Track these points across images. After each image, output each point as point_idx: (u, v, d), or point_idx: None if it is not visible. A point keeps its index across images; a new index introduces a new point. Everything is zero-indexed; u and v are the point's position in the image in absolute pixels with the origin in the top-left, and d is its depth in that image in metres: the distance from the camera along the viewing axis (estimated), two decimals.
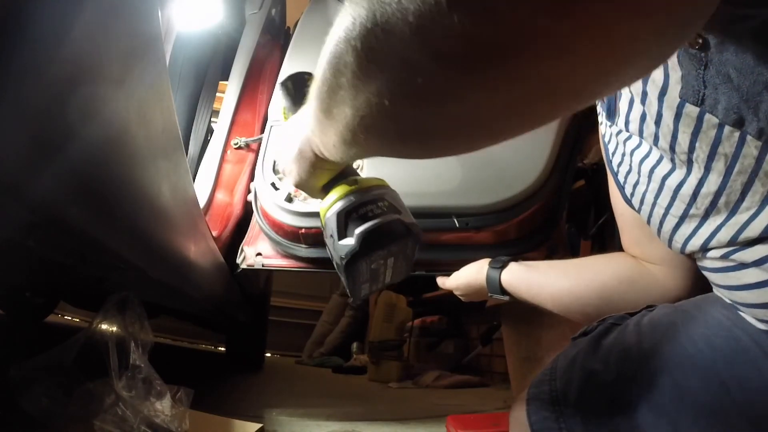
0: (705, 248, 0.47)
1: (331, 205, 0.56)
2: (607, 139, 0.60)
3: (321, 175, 0.56)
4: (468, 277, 0.92)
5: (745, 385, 0.42)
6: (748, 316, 0.44)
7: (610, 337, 0.52)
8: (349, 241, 0.53)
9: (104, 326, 0.83)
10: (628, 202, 0.58)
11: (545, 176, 1.15)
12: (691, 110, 0.41)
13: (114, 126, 0.55)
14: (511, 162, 1.16)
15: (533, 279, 0.79)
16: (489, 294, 0.87)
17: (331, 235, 0.55)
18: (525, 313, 1.85)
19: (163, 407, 0.81)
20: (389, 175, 1.16)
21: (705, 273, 0.50)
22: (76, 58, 0.44)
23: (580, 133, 1.33)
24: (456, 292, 0.98)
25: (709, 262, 0.48)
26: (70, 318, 2.88)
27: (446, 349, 3.06)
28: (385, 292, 3.17)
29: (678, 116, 0.43)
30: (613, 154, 0.59)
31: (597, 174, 1.88)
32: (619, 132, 0.55)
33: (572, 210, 1.39)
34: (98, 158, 0.55)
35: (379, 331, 2.93)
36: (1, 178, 0.43)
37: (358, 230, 0.52)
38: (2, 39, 0.36)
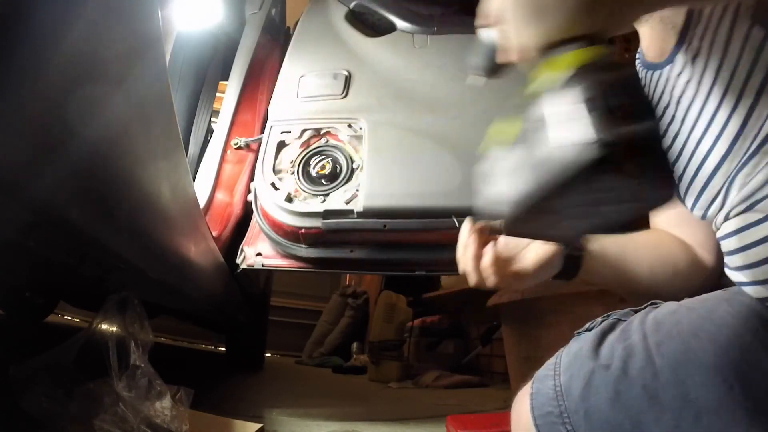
0: (727, 191, 0.49)
1: (574, 64, 0.36)
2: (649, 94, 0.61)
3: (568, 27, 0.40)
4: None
5: (748, 384, 0.43)
6: (754, 292, 0.46)
7: (614, 333, 0.52)
8: (601, 134, 0.32)
9: (104, 326, 0.83)
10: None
11: None
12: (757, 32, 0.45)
13: (114, 126, 0.55)
14: None
15: (619, 253, 0.68)
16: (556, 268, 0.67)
17: (565, 114, 0.35)
18: (525, 313, 1.84)
19: (163, 407, 0.81)
20: (390, 175, 1.17)
21: (723, 243, 0.52)
22: (76, 58, 0.44)
23: None
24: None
25: (732, 223, 0.50)
26: (70, 318, 2.88)
27: (446, 349, 3.06)
28: (385, 292, 3.17)
29: (746, 38, 0.46)
30: (656, 106, 0.60)
31: None
32: (667, 80, 0.57)
33: None
34: (98, 158, 0.55)
35: (379, 331, 2.93)
36: (2, 178, 0.43)
37: (630, 128, 0.33)
38: (3, 39, 0.36)
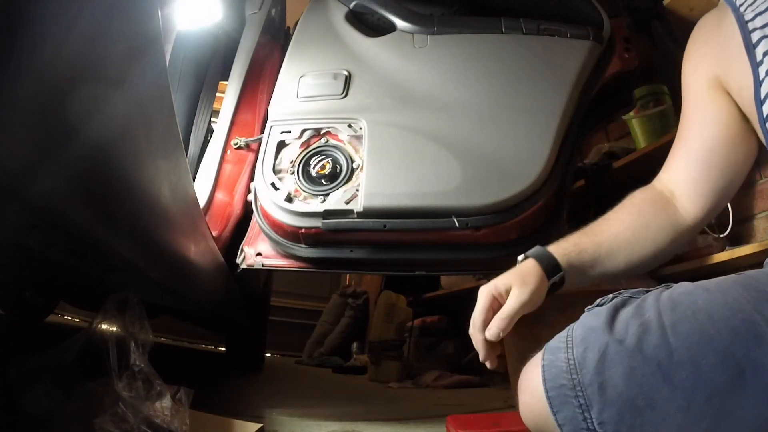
0: None
1: None
2: (751, 17, 0.65)
3: None
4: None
5: (759, 368, 0.44)
6: None
7: (628, 308, 0.53)
8: None
9: (104, 326, 0.83)
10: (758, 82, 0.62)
11: (545, 176, 1.15)
12: None
13: (114, 126, 0.55)
14: (512, 162, 1.16)
15: (585, 240, 0.73)
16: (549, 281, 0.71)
17: None
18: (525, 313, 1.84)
19: (163, 407, 0.81)
20: (390, 175, 1.17)
21: None
22: (76, 58, 0.44)
23: (580, 133, 1.33)
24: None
25: None
26: (70, 318, 2.88)
27: (446, 349, 3.06)
28: (385, 292, 3.17)
29: None
30: (759, 15, 0.64)
31: (597, 174, 1.88)
32: None
33: (572, 210, 1.39)
34: (98, 158, 0.55)
35: (379, 331, 2.93)
36: (2, 178, 0.43)
37: None
38: (3, 39, 0.36)
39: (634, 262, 0.72)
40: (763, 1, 0.65)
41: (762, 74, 0.62)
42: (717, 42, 0.71)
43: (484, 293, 0.68)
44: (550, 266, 0.71)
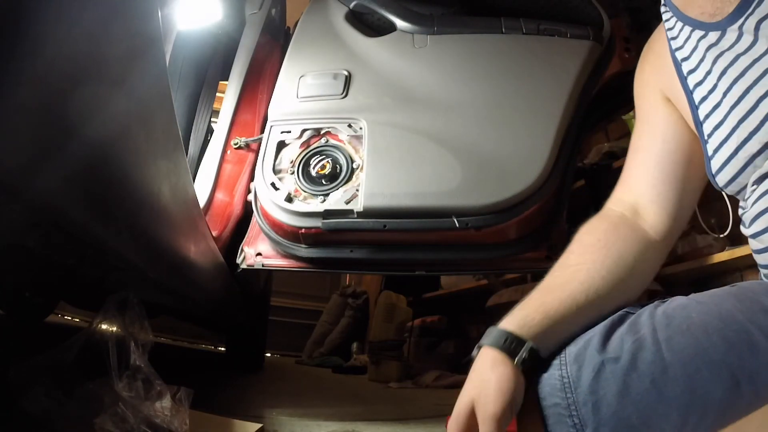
0: None
1: None
2: (688, 55, 0.63)
3: None
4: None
5: (754, 380, 0.43)
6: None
7: (624, 325, 0.52)
8: None
9: (104, 326, 0.83)
10: (699, 123, 0.61)
11: (545, 176, 1.16)
12: None
13: (114, 126, 0.55)
14: (512, 162, 1.17)
15: (549, 299, 0.59)
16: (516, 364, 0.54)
17: None
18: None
19: (163, 407, 0.81)
20: (390, 175, 1.17)
21: (755, 205, 0.55)
22: (76, 58, 0.44)
23: (580, 133, 1.33)
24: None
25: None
26: (70, 318, 2.88)
27: (446, 349, 3.06)
28: (385, 292, 3.17)
29: None
30: (694, 70, 0.62)
31: (597, 174, 1.89)
32: (716, 42, 0.59)
33: (572, 210, 1.39)
34: (98, 158, 0.55)
35: (379, 331, 2.93)
36: (2, 178, 0.43)
37: None
38: (3, 39, 0.36)
39: (621, 300, 0.60)
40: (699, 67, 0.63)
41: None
42: (664, 66, 0.70)
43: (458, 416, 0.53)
44: (510, 346, 0.56)
